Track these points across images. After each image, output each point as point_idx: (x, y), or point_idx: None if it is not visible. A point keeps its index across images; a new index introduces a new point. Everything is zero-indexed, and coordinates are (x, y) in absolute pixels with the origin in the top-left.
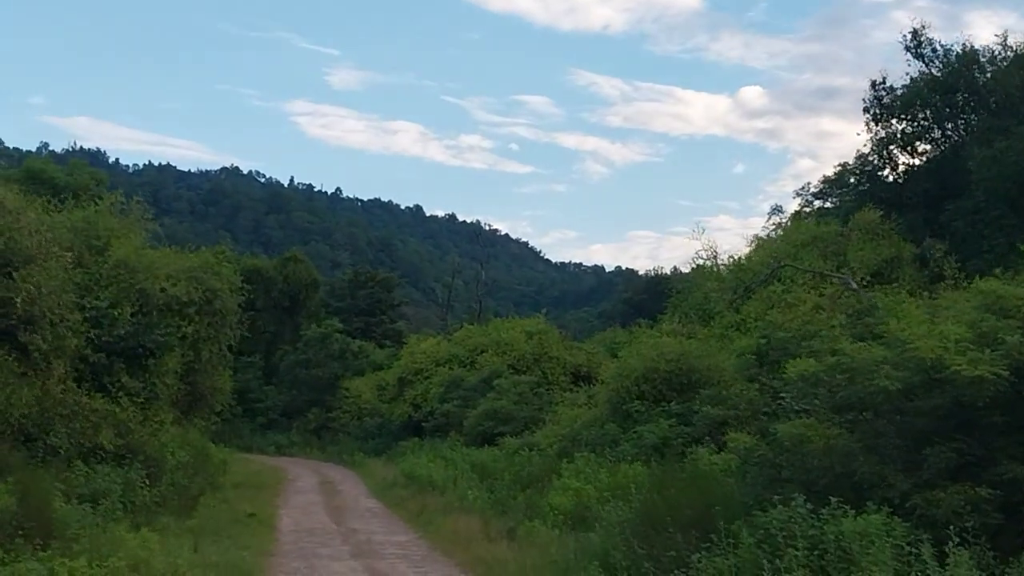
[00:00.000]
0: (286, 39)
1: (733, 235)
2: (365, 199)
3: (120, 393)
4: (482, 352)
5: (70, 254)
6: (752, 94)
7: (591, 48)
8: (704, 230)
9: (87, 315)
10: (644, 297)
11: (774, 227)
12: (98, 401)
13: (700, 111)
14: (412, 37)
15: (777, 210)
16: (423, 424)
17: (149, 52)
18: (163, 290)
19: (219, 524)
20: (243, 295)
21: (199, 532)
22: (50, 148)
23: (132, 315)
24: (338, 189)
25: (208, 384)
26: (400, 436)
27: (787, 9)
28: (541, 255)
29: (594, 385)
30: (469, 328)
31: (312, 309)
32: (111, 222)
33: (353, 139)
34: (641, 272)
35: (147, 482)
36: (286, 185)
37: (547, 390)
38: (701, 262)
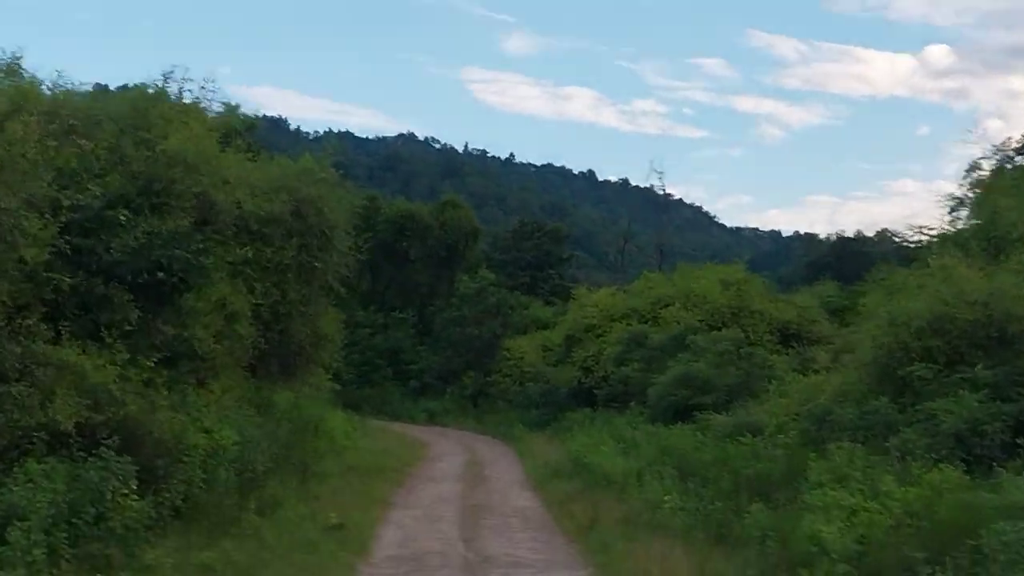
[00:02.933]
0: (461, 6)
1: (916, 199)
2: (538, 164)
3: (117, 340)
4: (667, 306)
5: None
6: (938, 53)
7: (768, 8)
8: (984, 131)
9: (66, 218)
10: (829, 259)
11: (970, 186)
12: (65, 351)
13: (882, 71)
14: (586, 2)
15: (975, 167)
16: (595, 391)
17: (328, 21)
18: (238, 204)
19: (265, 551)
20: (357, 211)
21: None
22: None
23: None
24: (511, 155)
25: (305, 332)
26: (567, 406)
27: None
28: (715, 220)
29: (807, 346)
30: (650, 276)
31: (472, 261)
32: (167, 109)
33: (527, 105)
34: (822, 236)
35: (138, 486)
36: (460, 151)
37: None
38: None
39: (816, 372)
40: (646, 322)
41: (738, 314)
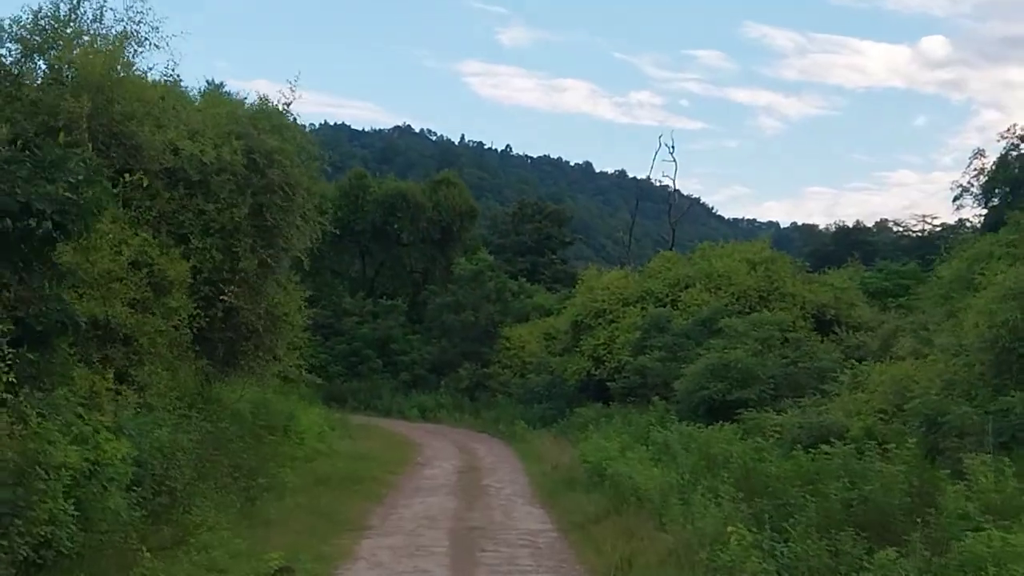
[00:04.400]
0: None
1: (914, 190)
2: (535, 156)
3: None
4: (687, 287)
5: None
6: (934, 44)
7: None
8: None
9: None
10: (832, 249)
11: (975, 173)
12: None
13: (879, 62)
14: None
15: (979, 154)
16: (608, 384)
17: (325, 15)
18: (172, 148)
19: None
20: (323, 166)
21: None
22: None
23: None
24: (508, 146)
25: (256, 311)
26: (576, 400)
27: None
28: (713, 211)
29: (847, 332)
30: (667, 255)
31: (468, 243)
32: (72, 27)
33: (523, 98)
34: (822, 227)
35: None
36: (457, 143)
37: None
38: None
39: (899, 358)
40: (663, 306)
41: (767, 297)
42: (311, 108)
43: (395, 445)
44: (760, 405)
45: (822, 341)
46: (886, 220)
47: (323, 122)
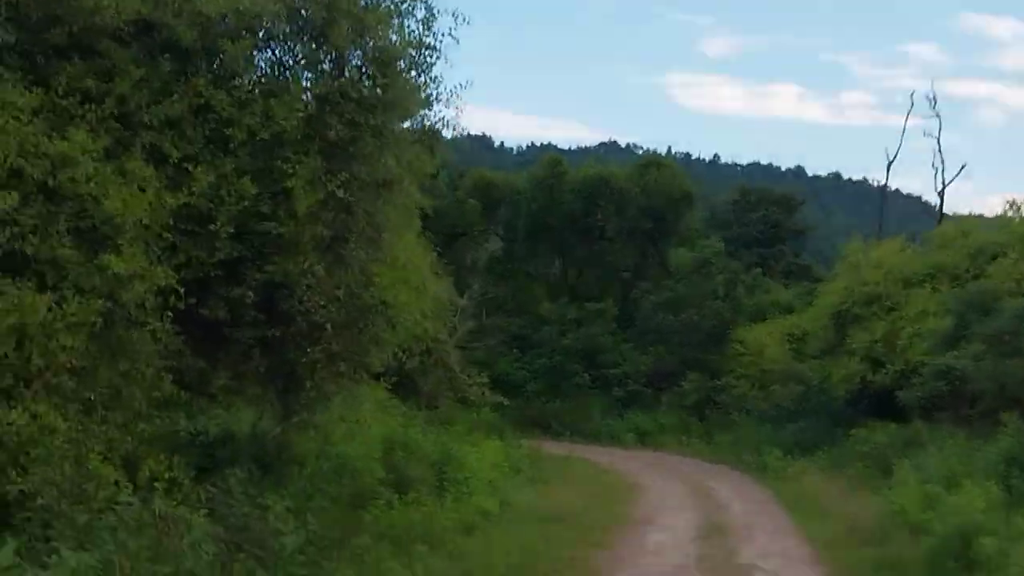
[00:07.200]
0: (660, 12)
1: None
2: (744, 164)
3: None
4: (995, 257)
5: None
6: None
7: None
8: None
9: None
10: None
11: None
12: None
13: None
14: None
15: None
16: (895, 394)
17: (527, 37)
18: None
19: None
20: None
21: None
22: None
23: None
24: (716, 155)
25: (327, 292)
26: (845, 417)
27: None
28: (935, 209)
29: None
30: (964, 219)
31: (684, 234)
32: None
33: (729, 106)
34: None
35: None
36: (664, 155)
37: None
38: None
39: None
40: (961, 286)
41: None
42: (518, 131)
43: (603, 489)
44: None
45: None
46: None
47: (530, 143)
